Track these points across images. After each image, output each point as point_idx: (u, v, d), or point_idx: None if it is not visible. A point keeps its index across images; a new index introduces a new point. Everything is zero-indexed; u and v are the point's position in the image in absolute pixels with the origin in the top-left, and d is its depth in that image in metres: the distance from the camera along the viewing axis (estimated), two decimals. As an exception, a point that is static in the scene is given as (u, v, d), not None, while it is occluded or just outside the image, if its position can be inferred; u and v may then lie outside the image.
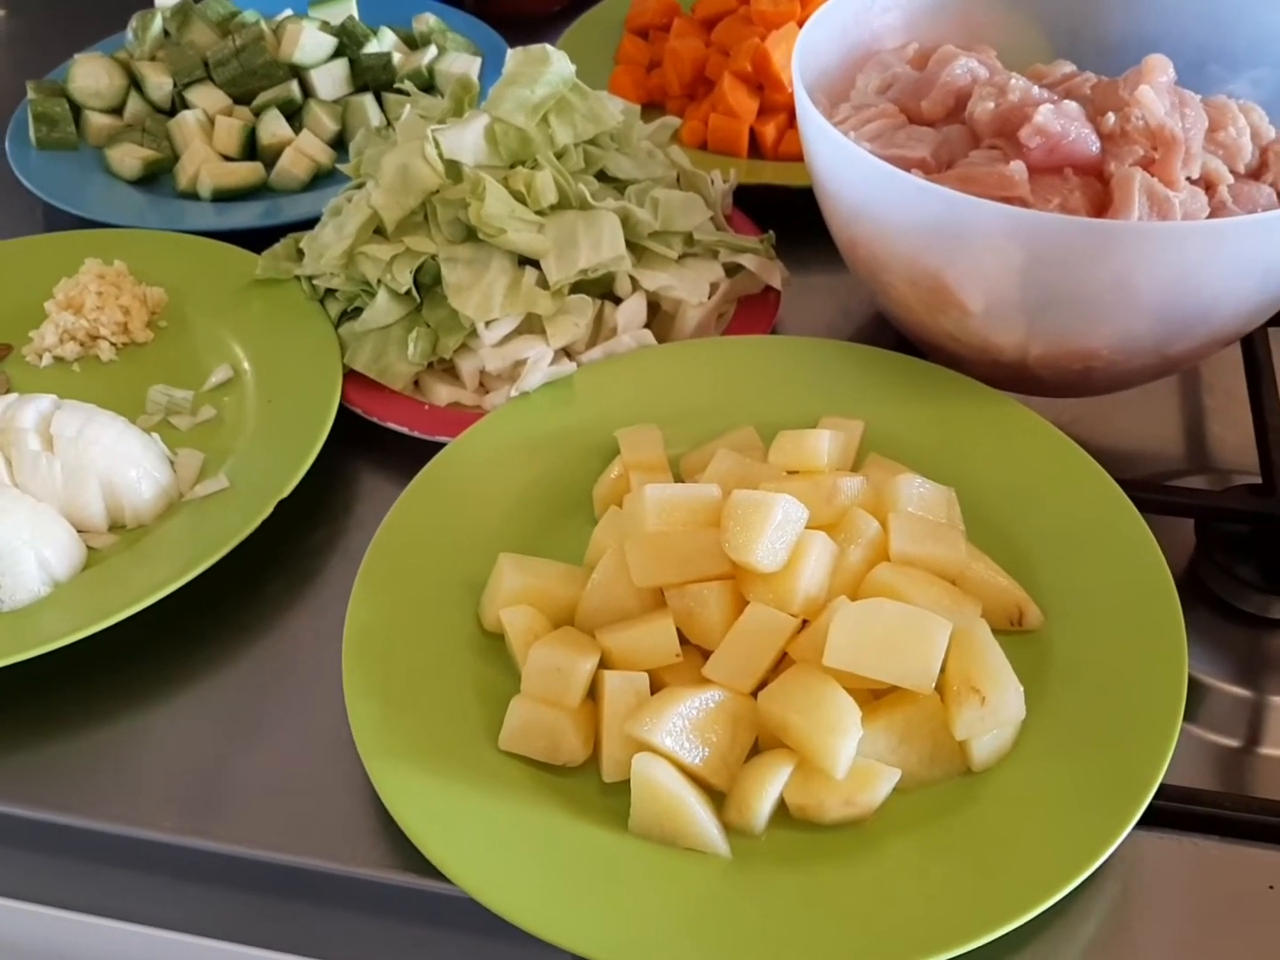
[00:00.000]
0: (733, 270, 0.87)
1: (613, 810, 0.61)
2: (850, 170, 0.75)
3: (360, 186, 0.89)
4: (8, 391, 0.83)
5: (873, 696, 0.63)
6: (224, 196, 1.02)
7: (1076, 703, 0.63)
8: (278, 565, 0.76)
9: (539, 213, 0.83)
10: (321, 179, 1.05)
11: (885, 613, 0.61)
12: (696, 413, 0.78)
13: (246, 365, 0.84)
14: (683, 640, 0.64)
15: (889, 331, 0.88)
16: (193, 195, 1.03)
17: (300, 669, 0.71)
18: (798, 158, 0.97)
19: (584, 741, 0.63)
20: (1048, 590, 0.68)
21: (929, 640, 0.60)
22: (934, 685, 0.60)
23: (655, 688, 0.63)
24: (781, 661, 0.63)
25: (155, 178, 1.05)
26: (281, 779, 0.66)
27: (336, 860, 0.63)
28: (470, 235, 0.83)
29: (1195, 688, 0.62)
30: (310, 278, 0.88)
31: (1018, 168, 0.74)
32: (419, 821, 0.59)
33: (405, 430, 0.79)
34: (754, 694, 0.63)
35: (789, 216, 0.92)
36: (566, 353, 0.82)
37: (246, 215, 1.00)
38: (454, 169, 0.83)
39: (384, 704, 0.64)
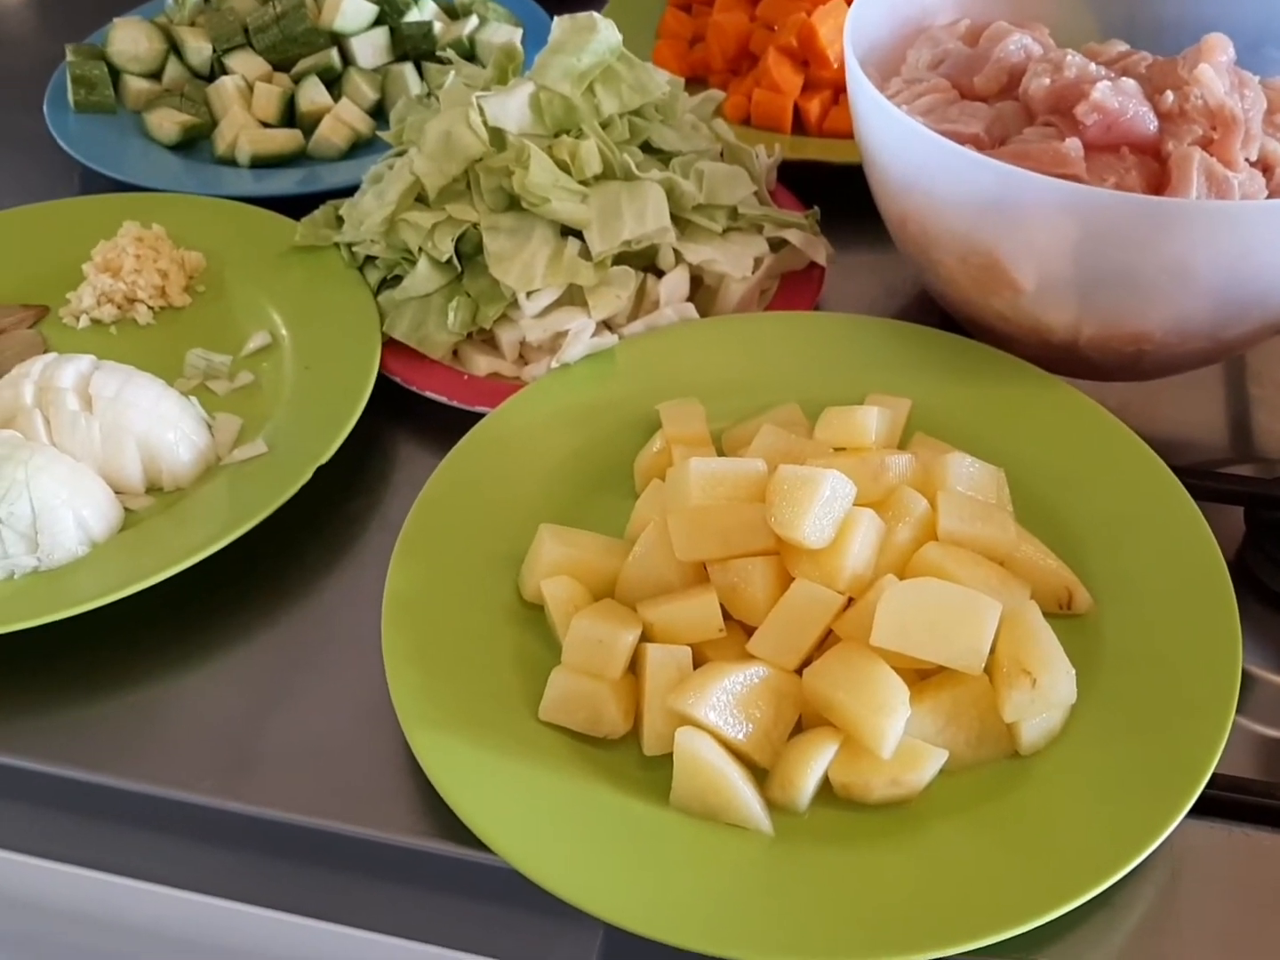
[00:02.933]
0: (777, 246, 0.86)
1: (653, 784, 0.60)
2: (904, 144, 0.73)
3: (402, 154, 0.88)
4: (45, 352, 0.82)
5: (919, 677, 0.62)
6: (262, 163, 1.02)
7: (1127, 688, 0.62)
8: (315, 532, 0.75)
9: (583, 183, 0.82)
10: (360, 147, 1.04)
11: (934, 592, 0.60)
12: (739, 388, 0.77)
13: (284, 331, 0.83)
14: (725, 616, 0.63)
15: (934, 311, 0.87)
16: (230, 161, 1.02)
17: (337, 636, 0.71)
18: (842, 134, 0.97)
19: (625, 714, 0.62)
20: (1097, 574, 0.67)
21: (979, 621, 0.59)
22: (983, 666, 0.59)
23: (697, 663, 0.62)
24: (826, 639, 0.62)
25: (193, 143, 1.05)
26: (316, 744, 0.66)
27: (372, 826, 0.62)
28: (513, 204, 0.82)
29: (1243, 678, 0.60)
30: (350, 245, 0.87)
31: (1073, 145, 0.73)
32: (460, 790, 0.58)
33: (444, 400, 0.78)
34: (798, 671, 0.62)
35: (832, 194, 0.91)
36: (608, 325, 0.81)
37: (284, 182, 0.99)
38: (498, 137, 0.82)
39: (424, 672, 0.64)
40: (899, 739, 0.58)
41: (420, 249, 0.82)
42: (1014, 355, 0.78)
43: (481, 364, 0.81)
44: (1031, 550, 0.66)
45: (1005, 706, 0.59)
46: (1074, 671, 0.59)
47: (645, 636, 0.64)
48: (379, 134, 0.97)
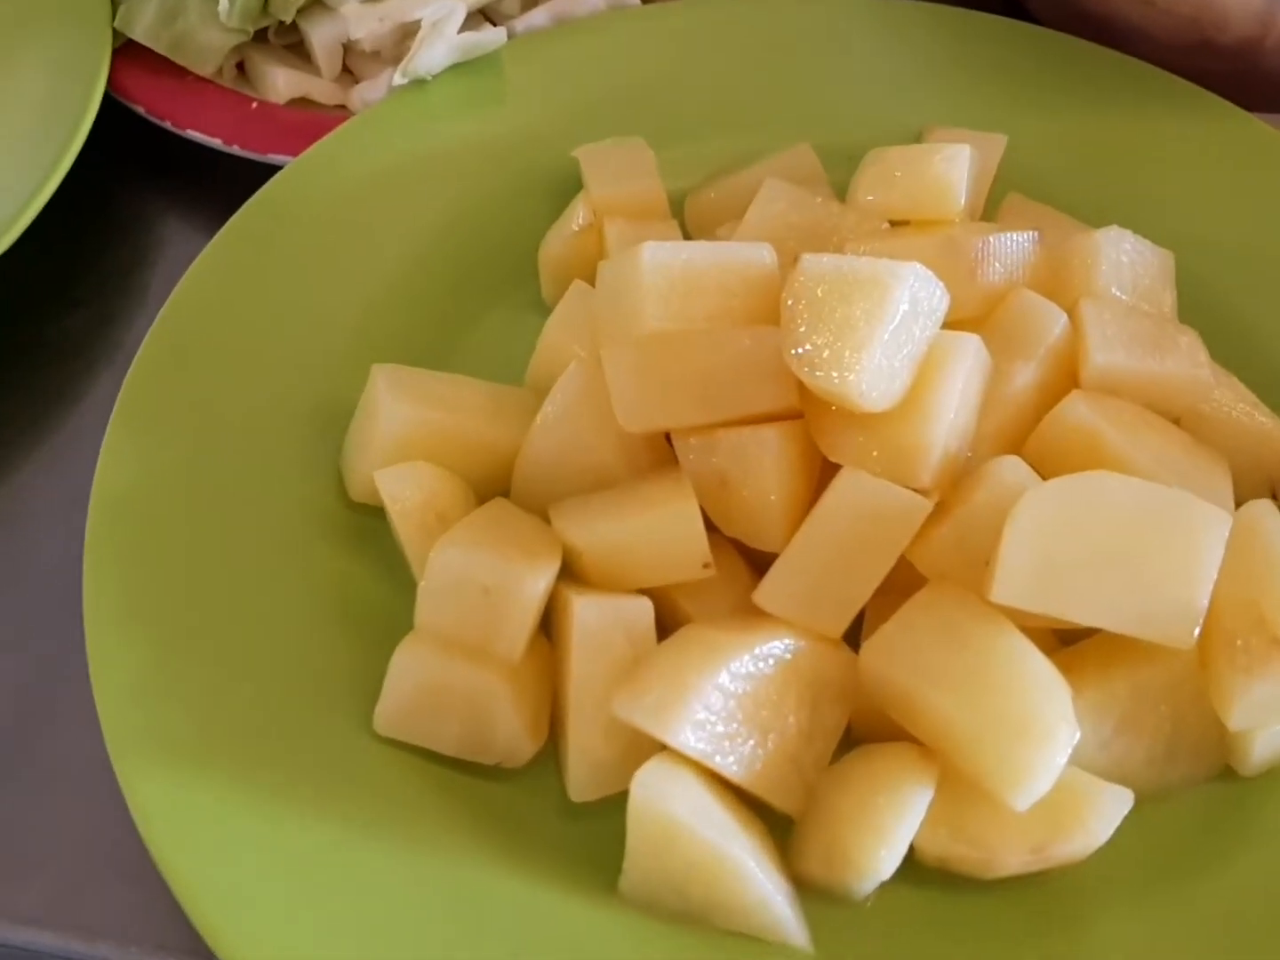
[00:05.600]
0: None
1: (585, 853, 0.34)
2: None
3: None
4: None
5: (1059, 641, 0.35)
6: None
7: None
8: (4, 371, 0.48)
9: None
10: None
11: (1102, 498, 0.32)
12: (712, 119, 0.49)
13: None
14: (711, 537, 0.35)
15: None
16: None
17: (41, 552, 0.42)
18: None
19: (531, 725, 0.35)
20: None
21: (1192, 552, 0.32)
22: (1196, 634, 0.31)
23: (666, 626, 0.35)
24: (895, 579, 0.34)
25: None
26: None
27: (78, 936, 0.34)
28: None
29: None
30: None
31: None
32: (210, 883, 0.31)
33: (217, 144, 0.52)
34: (848, 641, 0.34)
35: None
36: (486, 15, 0.53)
37: None
38: None
39: (159, 649, 0.35)
40: (1054, 779, 0.31)
41: (167, -118, 0.49)
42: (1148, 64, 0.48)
43: (281, 82, 0.54)
44: (1231, 400, 0.39)
45: (1231, 702, 0.33)
46: (1368, 639, 0.32)
47: (568, 573, 0.35)
48: None
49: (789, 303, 0.35)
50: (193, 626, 0.36)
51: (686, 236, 0.44)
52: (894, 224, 0.41)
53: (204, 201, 0.52)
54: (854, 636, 0.35)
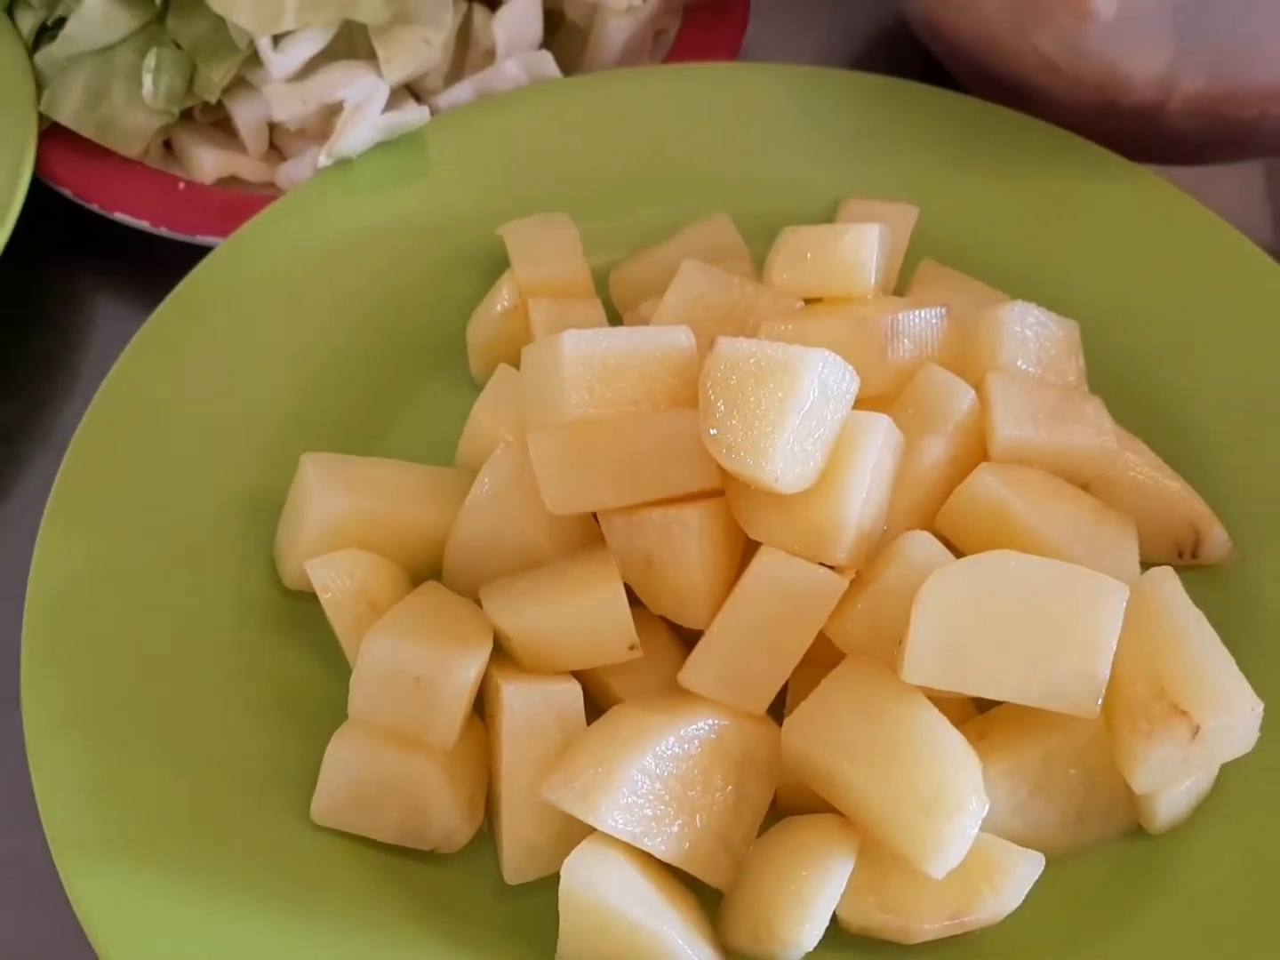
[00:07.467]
0: (676, -44, 0.55)
1: (523, 935, 0.34)
2: None
3: None
4: None
5: (974, 708, 0.36)
6: None
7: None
8: None
9: None
10: None
11: (1009, 577, 0.34)
12: (632, 192, 0.50)
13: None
14: (640, 611, 0.36)
15: (913, 60, 0.58)
16: None
17: None
18: None
19: (466, 810, 0.35)
20: (1234, 496, 0.42)
21: (1092, 625, 0.33)
22: (1100, 704, 0.33)
23: (594, 706, 0.36)
24: (813, 653, 0.35)
25: None
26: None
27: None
28: (238, -118, 0.49)
29: None
30: None
31: None
32: None
33: (144, 226, 0.51)
34: (771, 714, 0.35)
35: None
36: (412, 91, 0.54)
37: None
38: None
39: (99, 744, 0.36)
40: (967, 848, 0.32)
41: (88, -34, 0.49)
42: (1057, 127, 0.50)
43: (209, 163, 0.54)
44: (1138, 464, 0.40)
45: (1136, 768, 0.34)
46: (1261, 705, 0.34)
47: (500, 656, 0.36)
48: None
49: (706, 388, 0.36)
50: (132, 721, 0.36)
51: (610, 311, 0.45)
52: (808, 301, 0.42)
53: (133, 281, 0.53)
54: (779, 709, 0.36)
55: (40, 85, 0.54)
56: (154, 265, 0.49)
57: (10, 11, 0.56)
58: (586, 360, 0.38)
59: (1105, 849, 0.36)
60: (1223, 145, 0.51)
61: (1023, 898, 0.33)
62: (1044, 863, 0.34)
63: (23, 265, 0.48)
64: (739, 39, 0.57)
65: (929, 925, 0.33)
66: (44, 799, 0.34)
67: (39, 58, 0.55)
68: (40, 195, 0.51)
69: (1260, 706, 0.34)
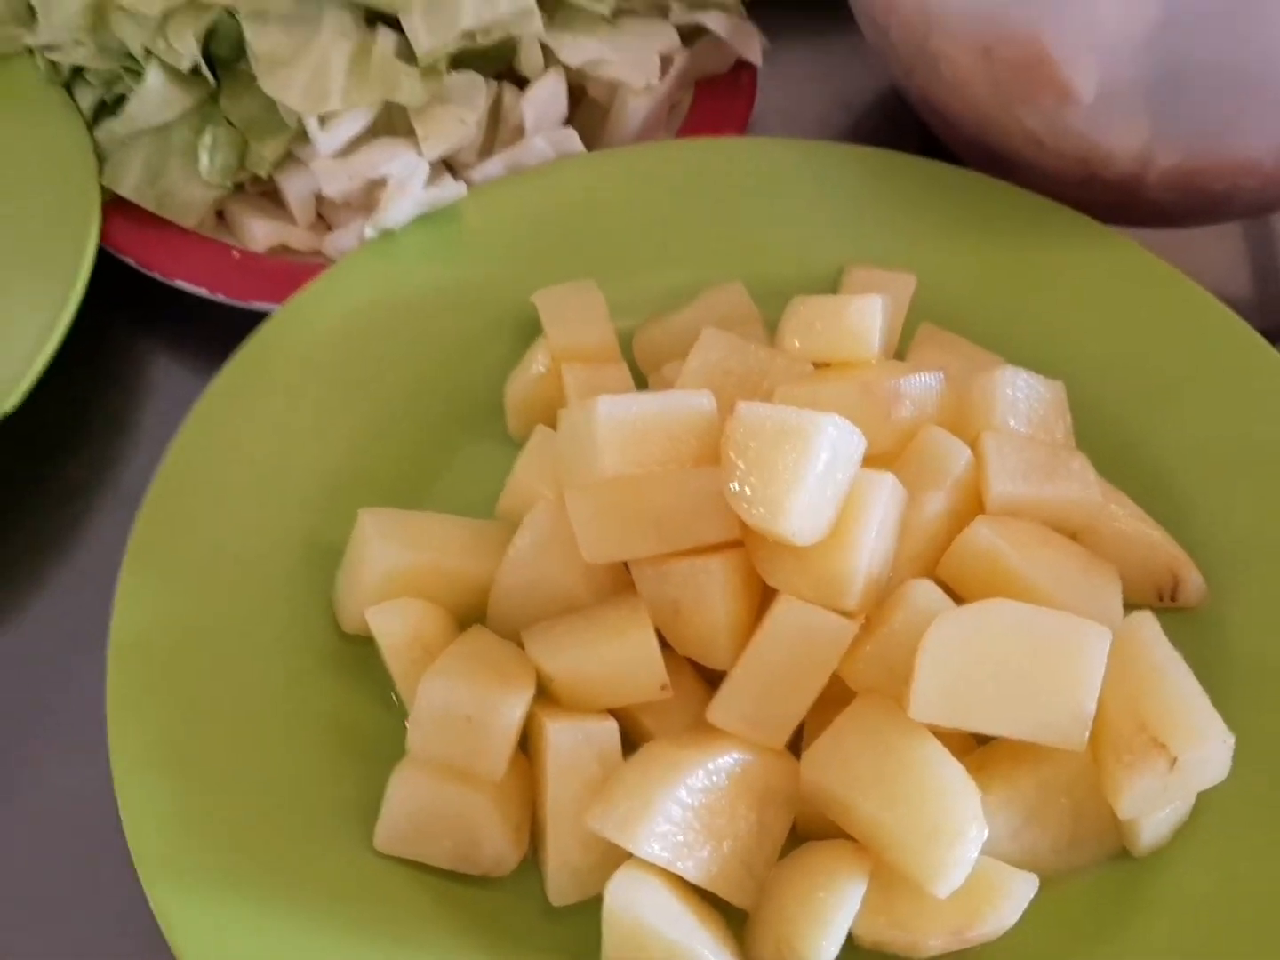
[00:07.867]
0: (690, 36, 0.59)
1: (569, 953, 0.38)
2: None
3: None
4: None
5: (973, 743, 0.39)
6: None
7: (1274, 728, 0.41)
8: (8, 521, 0.49)
9: (395, -60, 0.53)
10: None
11: (1004, 623, 0.37)
12: (651, 259, 0.53)
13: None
14: (670, 654, 0.40)
15: (910, 128, 0.61)
16: None
17: (47, 693, 0.45)
18: None
19: (515, 837, 0.39)
20: (1210, 544, 0.45)
21: (1079, 666, 0.37)
22: (1087, 737, 0.36)
23: (630, 740, 0.39)
24: (828, 692, 0.39)
25: None
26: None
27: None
28: (288, -24, 0.53)
29: None
30: (47, 49, 0.58)
31: None
32: None
33: (202, 292, 0.54)
34: (791, 748, 0.39)
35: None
36: (449, 166, 0.56)
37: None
38: None
39: (180, 783, 0.39)
40: (968, 871, 0.35)
41: (148, 51, 0.53)
42: (1044, 196, 0.53)
43: (260, 232, 0.56)
44: (1121, 515, 0.44)
45: (1121, 796, 0.37)
46: (1232, 738, 0.37)
47: (542, 696, 0.39)
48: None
49: (727, 448, 0.40)
50: (210, 760, 0.39)
51: (634, 372, 0.49)
52: (818, 365, 0.46)
53: (190, 343, 0.55)
54: (798, 743, 0.40)
55: (100, 159, 0.57)
56: (209, 328, 0.52)
57: (69, 88, 0.60)
58: (619, 424, 0.41)
59: (1094, 870, 0.39)
60: (1199, 212, 0.54)
61: (1019, 915, 0.37)
62: (1038, 883, 0.37)
63: (89, 329, 0.51)
64: (748, 111, 0.59)
65: (935, 941, 0.37)
66: (132, 834, 0.38)
67: (99, 133, 0.57)
68: (107, 265, 0.53)
69: (1232, 739, 0.37)
